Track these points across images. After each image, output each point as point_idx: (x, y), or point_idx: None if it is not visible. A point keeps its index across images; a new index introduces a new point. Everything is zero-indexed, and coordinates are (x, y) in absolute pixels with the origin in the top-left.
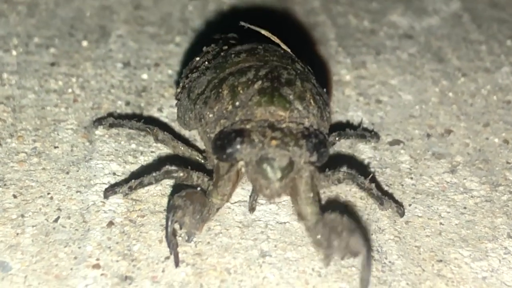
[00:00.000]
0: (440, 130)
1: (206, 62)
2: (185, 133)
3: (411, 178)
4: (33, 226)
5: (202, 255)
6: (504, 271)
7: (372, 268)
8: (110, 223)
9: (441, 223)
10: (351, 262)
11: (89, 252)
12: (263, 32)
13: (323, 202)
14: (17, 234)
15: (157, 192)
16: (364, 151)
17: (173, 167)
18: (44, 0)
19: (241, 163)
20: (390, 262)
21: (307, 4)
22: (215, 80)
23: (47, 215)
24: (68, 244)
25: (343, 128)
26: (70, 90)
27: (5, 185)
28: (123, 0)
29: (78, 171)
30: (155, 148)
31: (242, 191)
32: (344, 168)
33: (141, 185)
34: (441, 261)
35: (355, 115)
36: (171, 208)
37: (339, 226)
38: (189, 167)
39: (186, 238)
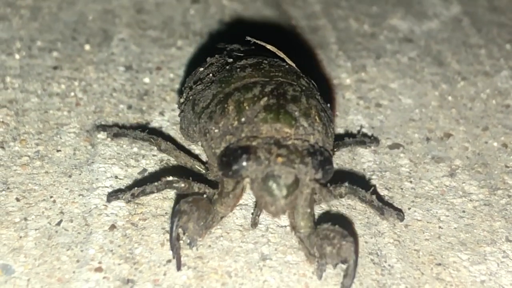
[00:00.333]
0: (440, 134)
1: (211, 75)
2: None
3: (411, 182)
4: (36, 229)
5: (203, 258)
6: (503, 275)
7: (355, 278)
8: (112, 227)
9: (440, 227)
10: None
11: (92, 255)
12: (268, 47)
13: (322, 205)
14: (20, 237)
15: (159, 196)
16: (364, 154)
17: (174, 178)
18: (47, 4)
19: (247, 180)
20: (389, 265)
21: (308, 8)
22: (220, 95)
23: (50, 218)
24: (70, 247)
25: (343, 135)
26: (72, 94)
27: (8, 188)
28: (125, 4)
29: (80, 174)
30: (157, 152)
31: (244, 195)
32: (346, 183)
33: (143, 193)
34: (440, 264)
35: (355, 119)
36: (177, 213)
37: (331, 233)
38: (191, 178)
39: (188, 242)
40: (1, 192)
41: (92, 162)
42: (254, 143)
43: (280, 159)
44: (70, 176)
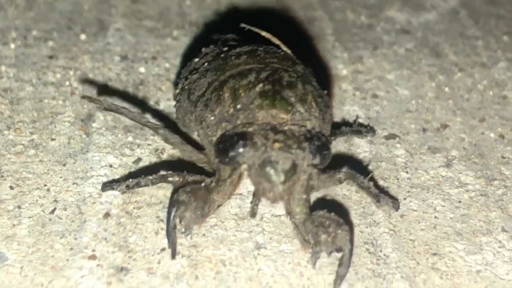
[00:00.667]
0: (436, 124)
1: (206, 64)
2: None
3: (407, 172)
4: (29, 217)
5: (198, 247)
6: (498, 265)
7: (350, 267)
8: (106, 215)
9: (436, 217)
10: None
11: (85, 243)
12: (263, 33)
13: (318, 195)
14: (14, 225)
15: (155, 186)
16: (360, 144)
17: (169, 172)
18: None
19: (244, 166)
20: (384, 255)
21: None
22: (215, 83)
23: (44, 206)
24: (64, 235)
25: (339, 125)
26: (67, 83)
27: (2, 176)
28: None
29: (75, 163)
30: (152, 141)
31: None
32: (345, 168)
33: (138, 185)
34: (435, 254)
35: (351, 110)
36: (174, 203)
37: (327, 221)
38: (185, 171)
39: (183, 231)
40: None
41: (87, 151)
42: (250, 129)
43: (277, 145)
44: (64, 165)
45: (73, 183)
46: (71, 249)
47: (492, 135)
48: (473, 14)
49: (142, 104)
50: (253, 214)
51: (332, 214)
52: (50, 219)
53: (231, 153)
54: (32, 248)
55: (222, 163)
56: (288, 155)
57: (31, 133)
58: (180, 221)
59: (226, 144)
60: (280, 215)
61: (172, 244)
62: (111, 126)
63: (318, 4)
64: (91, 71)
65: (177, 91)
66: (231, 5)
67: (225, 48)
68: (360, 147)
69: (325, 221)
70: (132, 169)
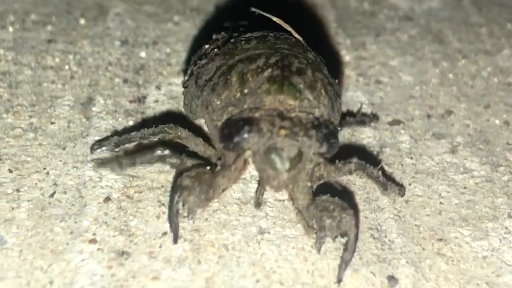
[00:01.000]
0: (441, 111)
1: (216, 49)
2: None
3: (411, 158)
4: (28, 201)
5: (200, 231)
6: (505, 251)
7: (355, 251)
8: (107, 199)
9: (441, 203)
10: None
11: (86, 227)
12: (274, 19)
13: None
14: (13, 208)
15: (155, 169)
16: (363, 130)
17: (166, 152)
18: None
19: (248, 152)
20: (389, 240)
21: None
22: (223, 67)
23: (43, 190)
24: (64, 219)
25: (343, 114)
26: (67, 67)
27: (0, 159)
28: None
29: (74, 147)
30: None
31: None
32: (355, 159)
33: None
34: (441, 240)
35: (354, 95)
36: (178, 188)
37: (331, 205)
38: (183, 154)
39: (186, 214)
40: None
41: (87, 135)
42: (256, 115)
43: (283, 132)
44: (64, 149)
45: (73, 167)
46: (71, 232)
47: (497, 121)
48: (477, 2)
49: (142, 88)
50: (257, 204)
51: (336, 198)
52: (49, 203)
53: (236, 139)
54: (32, 231)
55: (227, 149)
56: (294, 142)
57: (30, 117)
58: (183, 205)
59: (231, 129)
60: (283, 200)
61: (174, 229)
62: (111, 110)
63: None
64: (91, 55)
65: (186, 77)
66: None
67: (235, 34)
68: (364, 133)
69: (329, 206)
70: (133, 152)
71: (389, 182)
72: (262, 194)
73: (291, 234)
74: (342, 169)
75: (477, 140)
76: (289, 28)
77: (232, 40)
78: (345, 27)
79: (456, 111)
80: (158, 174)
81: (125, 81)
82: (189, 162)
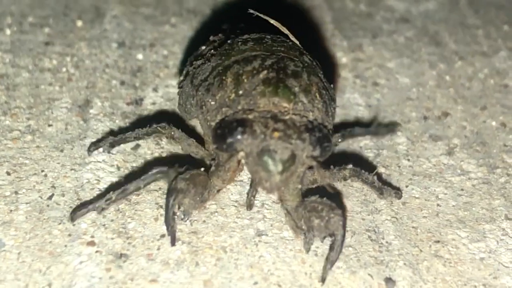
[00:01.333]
0: (437, 112)
1: (212, 50)
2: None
3: (408, 160)
4: (27, 203)
5: (198, 233)
6: (502, 252)
7: (341, 252)
8: None
9: (438, 205)
10: (347, 242)
11: (84, 230)
12: (271, 21)
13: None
14: (11, 211)
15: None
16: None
17: (163, 168)
18: None
19: (241, 154)
20: (387, 242)
21: None
22: (219, 67)
23: (41, 192)
24: (62, 221)
25: (344, 123)
26: (64, 69)
27: None
28: None
29: (72, 149)
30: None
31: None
32: (350, 165)
33: (124, 193)
34: (438, 242)
35: (351, 97)
36: (173, 191)
37: (319, 205)
38: (176, 165)
39: (182, 217)
40: None
41: (85, 137)
42: (250, 116)
43: (276, 134)
44: (62, 151)
45: (71, 169)
46: (69, 235)
47: (493, 123)
48: (473, 3)
49: (139, 90)
50: (249, 206)
51: (325, 198)
52: (47, 205)
53: (229, 140)
54: (30, 234)
55: (220, 150)
56: (287, 145)
57: (28, 119)
58: (179, 208)
59: (225, 130)
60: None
61: (171, 232)
62: (109, 112)
63: None
64: (88, 57)
65: (181, 77)
66: None
67: (232, 36)
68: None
69: (317, 206)
70: (131, 155)
71: (385, 186)
72: (254, 196)
73: (289, 236)
74: (336, 175)
75: (474, 142)
76: (286, 31)
77: (229, 41)
78: (342, 29)
79: (453, 113)
80: None
81: (122, 83)
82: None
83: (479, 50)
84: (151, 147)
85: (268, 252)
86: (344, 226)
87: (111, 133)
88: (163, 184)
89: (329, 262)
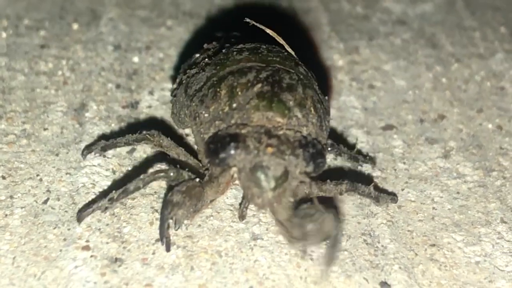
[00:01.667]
0: (433, 115)
1: (206, 59)
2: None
3: (404, 163)
4: (22, 208)
5: (193, 237)
6: (497, 256)
7: (337, 253)
8: None
9: (434, 208)
10: (343, 246)
11: (79, 234)
12: (268, 31)
13: None
14: (6, 215)
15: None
16: (356, 135)
17: (163, 167)
18: None
19: (234, 169)
20: (382, 246)
21: None
22: (214, 78)
23: (36, 196)
24: (57, 226)
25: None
26: (60, 73)
27: None
28: None
29: (68, 153)
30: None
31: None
32: (346, 180)
33: (126, 193)
34: (434, 245)
35: (347, 100)
36: (168, 204)
37: (311, 210)
38: (178, 166)
39: (174, 225)
40: None
41: (80, 141)
42: (243, 131)
43: (269, 149)
44: (57, 155)
45: (66, 173)
46: (64, 239)
47: (490, 126)
48: (470, 5)
49: (135, 93)
50: (241, 216)
51: (316, 202)
52: (43, 210)
53: (222, 155)
54: (25, 238)
55: (212, 164)
56: (281, 161)
57: (23, 123)
58: (172, 218)
59: (218, 145)
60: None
61: (166, 243)
62: (104, 115)
63: None
64: (84, 60)
65: (174, 86)
66: None
67: (227, 44)
68: (357, 138)
69: (309, 211)
70: (126, 159)
71: (381, 194)
72: (247, 207)
73: (284, 240)
74: (332, 190)
75: (470, 144)
76: (281, 41)
77: (224, 50)
78: (338, 31)
79: (449, 116)
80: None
81: (118, 86)
82: (185, 174)
83: (475, 52)
84: (147, 151)
85: (264, 256)
86: (337, 227)
87: (106, 136)
88: (158, 188)
89: (326, 259)
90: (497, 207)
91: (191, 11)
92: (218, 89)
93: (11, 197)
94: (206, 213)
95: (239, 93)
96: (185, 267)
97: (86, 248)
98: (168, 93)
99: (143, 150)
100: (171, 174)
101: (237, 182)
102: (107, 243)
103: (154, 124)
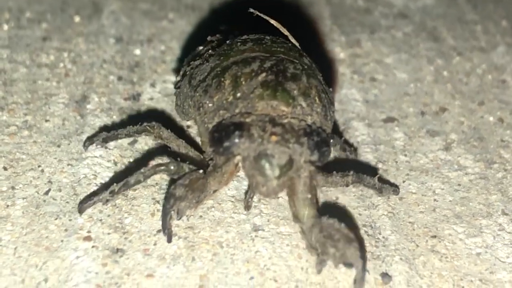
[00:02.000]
0: (435, 108)
1: (210, 50)
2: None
3: (405, 155)
4: (23, 198)
5: (194, 228)
6: (499, 247)
7: (365, 282)
8: None
9: (435, 200)
10: None
11: (80, 225)
12: (272, 21)
13: None
14: (7, 206)
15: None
16: (358, 128)
17: (163, 161)
18: None
19: (238, 157)
20: (383, 237)
21: None
22: (217, 68)
23: (38, 187)
24: (58, 217)
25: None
26: (62, 65)
27: None
28: None
29: (69, 144)
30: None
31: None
32: (352, 172)
33: (126, 186)
34: (435, 237)
35: (349, 93)
36: (171, 198)
37: (336, 234)
38: (178, 159)
39: (176, 215)
40: None
41: (82, 132)
42: (248, 120)
43: (274, 138)
44: (59, 146)
45: (68, 164)
46: (66, 230)
47: (491, 118)
48: None
49: (137, 86)
50: (247, 207)
51: (342, 225)
52: (44, 200)
53: (226, 143)
54: (26, 229)
55: (216, 153)
56: (285, 149)
57: (25, 114)
58: (174, 211)
59: (222, 134)
60: (277, 197)
61: (168, 235)
62: (106, 107)
63: None
64: (85, 53)
65: (178, 78)
66: None
67: (231, 36)
68: (358, 130)
69: (334, 234)
70: (128, 150)
71: (385, 185)
72: (252, 197)
73: (286, 232)
74: (339, 182)
75: (471, 137)
76: (285, 32)
77: (227, 42)
78: (340, 24)
79: (451, 108)
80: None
81: (120, 78)
82: (186, 167)
83: (477, 46)
84: (148, 142)
85: (265, 247)
86: (363, 257)
87: (108, 128)
88: (160, 179)
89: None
90: (498, 199)
91: (193, 4)
92: (222, 79)
93: (13, 188)
94: (208, 204)
95: (243, 82)
96: (186, 258)
97: (88, 238)
98: (170, 85)
99: (145, 142)
100: (172, 167)
101: (240, 173)
102: (109, 233)
103: (155, 117)
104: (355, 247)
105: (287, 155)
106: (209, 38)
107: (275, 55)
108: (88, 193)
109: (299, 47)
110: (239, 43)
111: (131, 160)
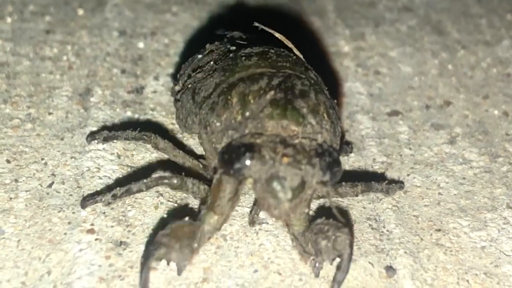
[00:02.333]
0: (440, 101)
1: (212, 62)
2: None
3: (410, 149)
4: (26, 191)
5: None
6: (503, 241)
7: (348, 271)
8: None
9: (439, 193)
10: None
11: (84, 217)
12: (277, 35)
13: None
14: (10, 198)
15: (153, 159)
16: (362, 121)
17: (166, 174)
18: None
19: (249, 180)
20: (388, 231)
21: None
22: (223, 85)
23: (41, 180)
24: (62, 209)
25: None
26: (65, 58)
27: None
28: None
29: (72, 137)
30: (151, 116)
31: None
32: (361, 182)
33: (128, 192)
34: (439, 230)
35: (353, 86)
36: (155, 243)
37: (326, 226)
38: (183, 173)
39: (177, 271)
40: None
41: (85, 125)
42: (258, 141)
43: (286, 159)
44: (62, 139)
45: (71, 157)
46: (69, 223)
47: (496, 112)
48: None
49: (140, 79)
50: (252, 222)
51: (331, 220)
52: (47, 193)
53: (237, 165)
54: (30, 221)
55: (227, 174)
56: (297, 171)
57: (28, 107)
58: (168, 263)
59: (232, 155)
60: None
61: (145, 284)
62: (109, 100)
63: None
64: (89, 46)
65: (177, 88)
66: None
67: (233, 47)
68: (363, 124)
69: (324, 227)
70: (131, 143)
71: (391, 186)
72: (258, 214)
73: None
74: (348, 192)
75: (476, 130)
76: (290, 45)
77: (231, 55)
78: (344, 18)
79: (455, 102)
80: (157, 164)
81: (123, 71)
82: (189, 182)
83: (482, 39)
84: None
85: (269, 240)
86: (351, 245)
87: (111, 121)
88: (163, 173)
89: (336, 282)
90: (503, 192)
91: None
92: (229, 97)
93: (16, 180)
94: None
95: (252, 101)
96: None
97: (91, 231)
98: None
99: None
100: (175, 181)
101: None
102: (112, 226)
103: (158, 111)
104: (345, 233)
105: (299, 177)
106: (207, 46)
107: (282, 70)
108: (92, 188)
109: (303, 59)
110: (243, 58)
111: (135, 153)
